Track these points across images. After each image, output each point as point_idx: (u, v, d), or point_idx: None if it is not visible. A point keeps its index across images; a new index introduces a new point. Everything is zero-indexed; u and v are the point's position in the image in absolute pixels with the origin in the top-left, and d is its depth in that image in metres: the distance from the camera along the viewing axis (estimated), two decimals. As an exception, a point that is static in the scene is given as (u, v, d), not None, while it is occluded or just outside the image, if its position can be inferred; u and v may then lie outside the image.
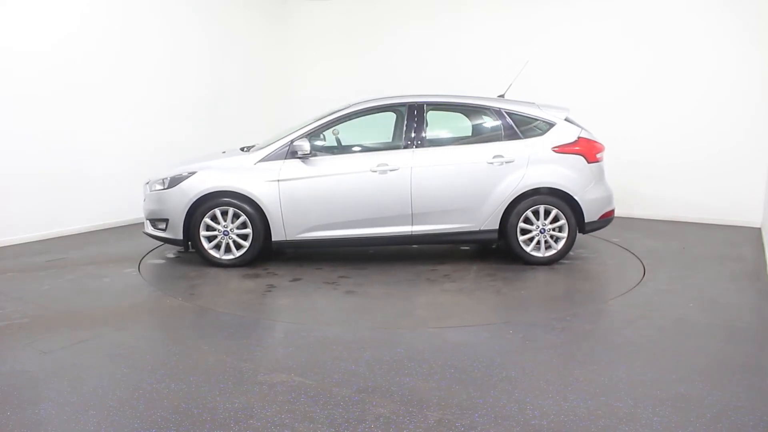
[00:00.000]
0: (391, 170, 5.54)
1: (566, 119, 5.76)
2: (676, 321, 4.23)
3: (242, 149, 6.14)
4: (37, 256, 6.09)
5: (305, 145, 5.50)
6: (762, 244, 6.55)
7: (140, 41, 7.84)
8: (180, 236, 5.64)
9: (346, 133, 6.19)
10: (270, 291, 5.03)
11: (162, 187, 5.73)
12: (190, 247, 5.77)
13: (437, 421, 2.83)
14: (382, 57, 9.69)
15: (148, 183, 5.96)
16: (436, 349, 3.72)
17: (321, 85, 10.14)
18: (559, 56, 8.34)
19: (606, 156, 5.90)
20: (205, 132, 8.83)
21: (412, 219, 5.59)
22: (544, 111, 5.78)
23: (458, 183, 5.56)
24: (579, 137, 5.67)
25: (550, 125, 5.69)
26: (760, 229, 7.38)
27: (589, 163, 5.64)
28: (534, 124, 5.74)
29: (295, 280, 5.35)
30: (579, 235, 5.84)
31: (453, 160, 5.62)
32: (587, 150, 5.65)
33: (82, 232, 7.26)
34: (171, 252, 6.38)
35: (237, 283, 5.27)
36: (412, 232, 5.62)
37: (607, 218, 5.82)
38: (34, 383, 3.26)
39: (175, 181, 5.69)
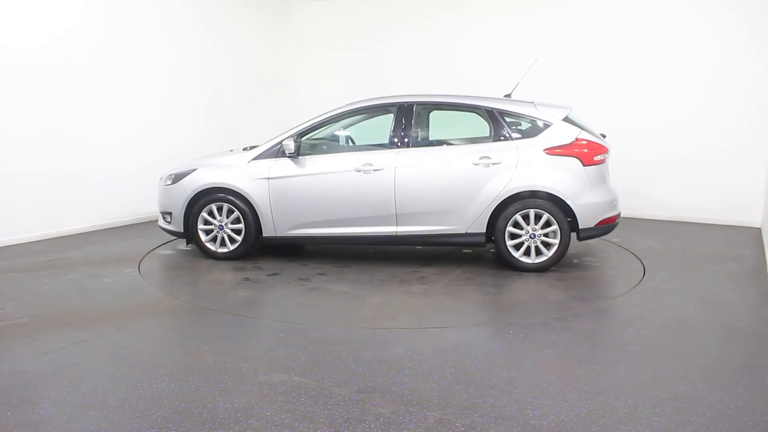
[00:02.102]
0: (375, 170, 5.54)
1: (566, 119, 5.50)
2: (676, 321, 4.23)
3: (245, 149, 6.23)
4: (37, 256, 6.09)
5: (291, 145, 5.63)
6: (762, 244, 6.56)
7: (141, 41, 7.83)
8: (181, 229, 5.95)
9: (347, 134, 6.28)
10: (241, 284, 5.20)
11: (169, 183, 6.07)
12: (190, 241, 6.07)
13: (437, 421, 2.83)
14: (384, 56, 9.69)
15: (161, 178, 6.24)
16: (436, 349, 3.72)
17: (323, 86, 10.14)
18: (560, 56, 8.33)
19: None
20: (206, 132, 8.83)
21: (397, 219, 5.56)
22: (540, 111, 5.54)
23: (442, 184, 5.46)
24: (577, 138, 5.39)
25: (546, 126, 5.45)
26: (760, 229, 7.38)
27: (584, 165, 5.33)
28: (528, 124, 5.54)
29: (273, 274, 5.49)
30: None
31: (437, 160, 5.54)
32: (583, 152, 5.35)
33: (82, 232, 7.25)
34: (182, 244, 6.58)
35: (218, 275, 5.51)
36: (396, 232, 5.60)
37: (606, 225, 5.46)
38: (34, 383, 3.26)
39: (178, 177, 6.02)
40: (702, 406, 2.97)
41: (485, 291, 4.99)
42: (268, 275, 5.47)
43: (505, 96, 6.00)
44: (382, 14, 9.71)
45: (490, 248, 6.23)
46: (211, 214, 5.86)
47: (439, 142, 5.86)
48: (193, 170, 5.96)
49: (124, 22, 7.62)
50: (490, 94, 5.98)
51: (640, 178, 8.04)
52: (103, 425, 2.79)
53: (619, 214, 5.62)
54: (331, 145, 6.20)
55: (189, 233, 5.95)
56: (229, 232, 5.87)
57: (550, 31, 8.45)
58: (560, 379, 3.31)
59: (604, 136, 5.81)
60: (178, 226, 5.96)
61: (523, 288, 5.09)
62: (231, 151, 6.50)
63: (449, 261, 5.96)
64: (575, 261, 5.90)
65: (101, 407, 2.97)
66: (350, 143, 6.37)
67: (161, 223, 6.19)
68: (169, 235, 6.75)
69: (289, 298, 4.86)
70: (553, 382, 3.26)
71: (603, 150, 5.48)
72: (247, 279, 5.33)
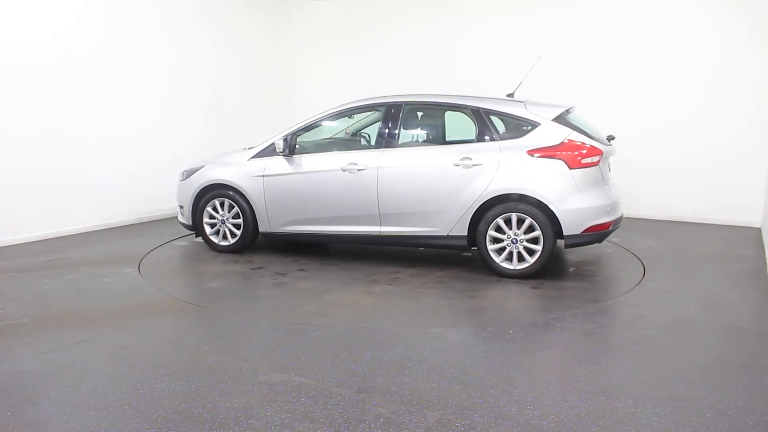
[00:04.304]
0: (359, 170, 5.57)
1: (558, 119, 5.22)
2: (676, 321, 4.23)
3: (250, 148, 6.31)
4: (37, 256, 6.09)
5: (280, 144, 5.80)
6: (762, 244, 6.55)
7: (141, 41, 7.82)
8: (191, 222, 6.31)
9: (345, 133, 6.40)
10: (220, 275, 5.46)
11: (183, 178, 6.41)
12: (198, 234, 6.36)
13: (437, 421, 2.83)
14: (384, 56, 9.67)
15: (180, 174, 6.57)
16: (436, 349, 3.72)
17: (323, 86, 10.13)
18: (560, 56, 8.31)
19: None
20: (206, 132, 8.81)
21: (380, 219, 5.56)
22: (530, 111, 5.29)
23: (422, 185, 5.37)
24: (567, 140, 5.10)
25: (534, 126, 5.20)
26: (760, 229, 7.38)
27: (571, 168, 5.02)
28: (515, 124, 5.31)
29: (257, 268, 5.68)
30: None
31: (419, 161, 5.45)
32: (569, 154, 5.05)
33: (82, 232, 7.25)
34: (192, 237, 6.80)
35: (208, 267, 5.79)
36: (380, 232, 5.60)
37: (595, 232, 5.13)
38: (34, 383, 3.26)
39: (189, 173, 6.36)
40: (702, 406, 2.97)
41: (446, 296, 4.85)
42: (252, 269, 5.66)
43: (508, 95, 5.84)
44: (382, 14, 9.70)
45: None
46: (215, 209, 6.16)
47: (425, 143, 5.85)
48: (202, 167, 6.25)
49: (124, 22, 7.61)
50: (489, 94, 5.88)
51: (640, 178, 8.03)
52: (103, 425, 2.80)
53: (615, 221, 5.33)
54: (322, 144, 6.27)
55: (196, 227, 6.26)
56: (230, 226, 6.14)
57: (550, 31, 8.44)
58: (560, 379, 3.31)
59: (611, 138, 5.65)
60: (187, 219, 6.31)
61: (488, 295, 4.93)
62: (244, 149, 6.58)
63: (439, 263, 5.87)
64: (572, 269, 5.83)
65: (101, 407, 2.97)
66: (366, 139, 6.40)
67: (178, 216, 6.54)
68: (168, 234, 6.86)
69: (251, 291, 5.07)
70: (553, 382, 3.26)
71: (595, 153, 5.15)
72: (234, 272, 5.54)
